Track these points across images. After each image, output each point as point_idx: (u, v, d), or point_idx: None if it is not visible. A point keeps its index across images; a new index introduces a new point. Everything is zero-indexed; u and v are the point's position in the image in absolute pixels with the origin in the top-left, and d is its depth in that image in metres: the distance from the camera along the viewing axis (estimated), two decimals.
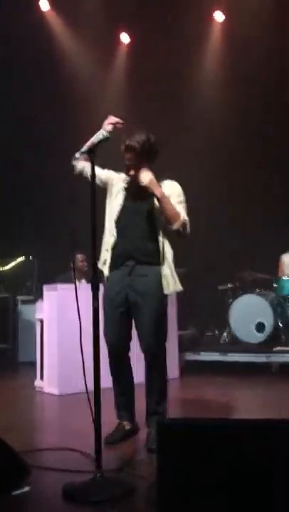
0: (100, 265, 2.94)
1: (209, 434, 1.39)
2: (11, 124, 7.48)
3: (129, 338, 3.03)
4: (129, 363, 3.09)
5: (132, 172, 2.92)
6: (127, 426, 3.05)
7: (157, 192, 2.85)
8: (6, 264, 7.70)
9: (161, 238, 2.93)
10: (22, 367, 6.72)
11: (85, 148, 2.47)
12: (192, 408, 3.95)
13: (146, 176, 2.85)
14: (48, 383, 4.81)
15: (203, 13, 7.62)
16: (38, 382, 5.03)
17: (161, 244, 2.92)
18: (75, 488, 2.19)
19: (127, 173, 2.95)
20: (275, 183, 7.19)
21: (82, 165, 2.89)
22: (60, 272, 6.21)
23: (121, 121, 2.86)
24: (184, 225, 2.90)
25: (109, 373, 3.03)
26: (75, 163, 2.86)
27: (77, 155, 2.48)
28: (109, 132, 2.78)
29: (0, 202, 7.80)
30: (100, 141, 2.51)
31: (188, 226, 2.93)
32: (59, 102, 7.60)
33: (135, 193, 2.99)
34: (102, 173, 3.00)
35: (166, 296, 2.94)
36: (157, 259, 2.92)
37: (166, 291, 2.90)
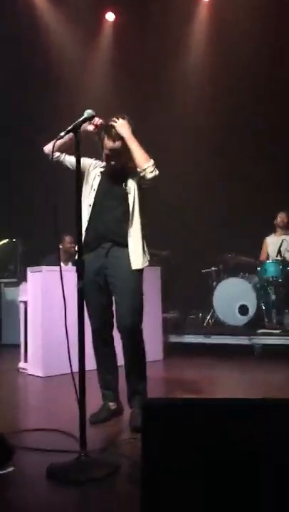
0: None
1: (194, 414, 1.40)
2: None
3: (113, 318, 3.07)
4: (112, 342, 3.13)
5: (112, 162, 2.96)
6: (112, 406, 3.09)
7: (127, 133, 2.86)
8: None
9: (132, 218, 2.96)
10: (5, 349, 6.70)
11: (70, 127, 2.42)
12: (176, 389, 3.98)
13: (120, 121, 2.88)
14: (32, 365, 4.80)
15: None
16: (22, 364, 5.02)
17: (130, 224, 2.95)
18: (59, 469, 2.20)
19: (108, 162, 2.98)
20: (260, 166, 7.17)
21: (57, 154, 2.91)
22: (43, 255, 6.17)
23: (103, 123, 2.89)
24: (153, 165, 2.89)
25: (94, 355, 3.08)
26: (50, 147, 2.74)
27: (62, 134, 2.42)
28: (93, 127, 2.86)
29: None
30: (85, 120, 2.47)
31: (155, 168, 2.92)
32: (43, 81, 7.48)
33: (111, 177, 3.03)
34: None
35: (138, 273, 2.96)
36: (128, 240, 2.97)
37: (133, 267, 2.92)
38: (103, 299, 3.02)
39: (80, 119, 2.45)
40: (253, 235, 6.59)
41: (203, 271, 6.92)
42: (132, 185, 3.01)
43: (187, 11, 7.68)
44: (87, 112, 2.49)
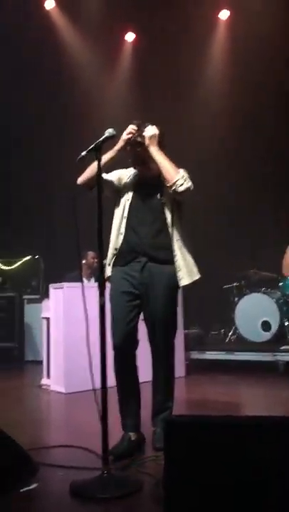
0: (106, 267, 2.88)
1: (217, 432, 1.39)
2: (15, 125, 7.53)
3: (137, 338, 2.88)
4: (135, 364, 2.90)
5: (138, 167, 2.88)
6: (133, 437, 2.81)
7: (154, 144, 2.76)
8: (13, 264, 7.73)
9: (170, 230, 2.82)
10: (28, 366, 6.75)
11: (91, 146, 2.46)
12: (198, 407, 3.95)
13: (151, 130, 2.78)
14: (55, 381, 4.82)
15: (208, 12, 7.60)
16: (44, 381, 5.05)
17: (171, 237, 2.82)
18: (82, 485, 2.20)
19: (135, 167, 2.90)
20: (281, 180, 7.16)
21: (87, 183, 2.78)
22: (66, 271, 6.24)
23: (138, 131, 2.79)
24: (183, 177, 2.74)
25: (115, 379, 2.85)
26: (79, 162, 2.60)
27: (83, 153, 2.46)
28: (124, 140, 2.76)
29: (6, 201, 7.85)
30: (107, 139, 2.49)
31: (188, 178, 2.77)
32: (63, 102, 7.63)
33: (144, 188, 2.91)
34: (112, 177, 2.91)
35: (177, 291, 2.88)
36: (169, 255, 2.82)
37: (182, 283, 2.82)
38: (131, 315, 2.82)
39: (101, 139, 2.49)
40: (275, 249, 6.55)
41: (224, 287, 6.89)
42: (167, 195, 2.85)
43: (206, 31, 7.78)
44: (108, 132, 2.52)
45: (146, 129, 2.78)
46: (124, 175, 2.97)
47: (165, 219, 2.83)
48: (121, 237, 2.85)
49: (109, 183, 2.88)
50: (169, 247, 2.82)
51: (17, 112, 7.43)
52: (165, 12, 7.29)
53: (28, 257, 7.66)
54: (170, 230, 2.82)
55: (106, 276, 2.85)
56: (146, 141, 2.77)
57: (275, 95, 7.31)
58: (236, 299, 6.48)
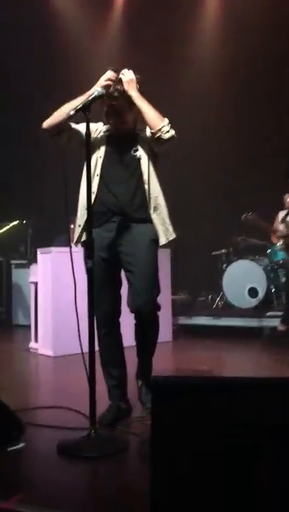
0: (76, 229, 2.72)
1: (205, 392, 1.40)
2: (5, 86, 7.33)
3: (120, 302, 2.76)
4: (119, 330, 2.79)
5: (111, 121, 2.64)
6: (122, 406, 2.72)
7: (134, 90, 2.55)
8: (0, 229, 7.65)
9: (147, 187, 2.64)
10: (16, 330, 6.78)
11: (79, 105, 2.39)
12: (184, 370, 4.00)
13: (129, 74, 2.58)
14: (43, 345, 4.85)
15: None
16: (32, 344, 5.08)
17: (147, 194, 2.65)
18: (69, 445, 2.23)
19: (108, 119, 2.66)
20: (275, 146, 7.08)
21: (66, 137, 2.62)
22: (54, 236, 6.19)
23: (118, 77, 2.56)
24: (168, 124, 2.56)
25: (98, 346, 2.71)
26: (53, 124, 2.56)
27: (71, 112, 2.39)
28: (104, 87, 2.50)
29: None
30: (95, 98, 2.39)
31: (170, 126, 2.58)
32: (52, 60, 7.42)
33: (118, 143, 2.68)
34: (81, 128, 2.59)
35: (156, 248, 2.69)
36: (146, 214, 2.65)
37: (162, 241, 2.67)
38: (111, 279, 2.68)
39: (90, 98, 2.40)
40: (265, 216, 6.54)
41: (213, 253, 6.90)
42: (143, 151, 2.67)
43: None
44: (97, 91, 2.44)
45: (122, 74, 2.57)
46: (93, 128, 2.65)
47: (141, 175, 2.65)
48: (93, 197, 2.56)
49: (78, 133, 2.61)
50: (145, 205, 2.66)
51: (6, 67, 7.21)
52: None
53: (15, 222, 7.58)
54: (146, 186, 2.65)
55: (80, 240, 2.69)
56: (125, 86, 2.55)
57: (269, 60, 7.14)
58: (224, 265, 6.50)
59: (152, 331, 2.74)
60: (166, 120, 2.57)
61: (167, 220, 2.71)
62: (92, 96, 2.41)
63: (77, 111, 2.38)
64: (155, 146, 2.64)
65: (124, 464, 2.17)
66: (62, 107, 2.57)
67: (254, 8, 6.97)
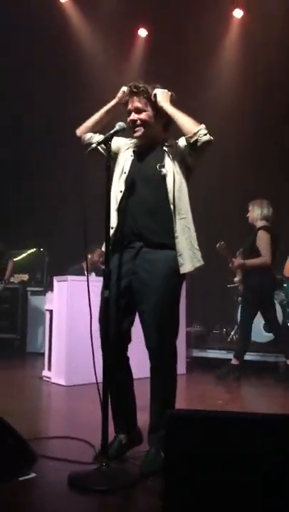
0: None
1: (218, 427, 1.39)
2: (25, 115, 7.55)
3: (129, 339, 2.56)
4: (127, 364, 2.58)
5: (138, 133, 2.53)
6: (124, 440, 2.53)
7: (166, 102, 2.48)
8: (17, 256, 7.75)
9: (172, 207, 2.42)
10: (30, 357, 6.77)
11: (101, 138, 2.45)
12: (198, 404, 3.95)
13: (161, 90, 2.52)
14: (56, 374, 4.83)
15: (221, 10, 7.56)
16: (45, 373, 5.06)
17: (173, 215, 2.42)
18: (80, 477, 2.21)
19: (135, 131, 2.55)
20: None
21: (89, 136, 2.66)
22: (71, 264, 6.25)
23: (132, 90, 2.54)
24: (205, 128, 2.43)
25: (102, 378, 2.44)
26: (87, 141, 2.62)
27: (93, 145, 2.45)
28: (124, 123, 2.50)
29: (12, 193, 7.87)
30: (117, 132, 2.47)
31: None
32: (74, 94, 7.63)
33: (143, 157, 2.54)
34: (112, 142, 2.53)
35: (179, 281, 2.48)
36: (170, 238, 2.42)
37: (183, 270, 2.42)
38: (122, 310, 2.48)
39: (112, 132, 2.47)
40: (281, 251, 6.52)
41: (228, 286, 6.87)
42: (170, 166, 2.47)
43: (219, 28, 7.73)
44: (119, 125, 2.50)
45: (155, 90, 2.53)
46: (123, 144, 2.64)
47: (166, 193, 2.43)
48: (116, 216, 2.47)
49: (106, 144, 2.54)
50: (167, 228, 2.42)
51: (28, 102, 7.44)
52: (178, 9, 7.26)
53: (33, 249, 7.68)
54: (172, 207, 2.42)
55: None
56: (159, 98, 2.48)
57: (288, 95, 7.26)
58: (239, 298, 6.45)
59: (164, 380, 2.46)
60: (203, 125, 2.44)
61: (195, 245, 2.48)
62: (114, 130, 2.48)
63: (98, 144, 2.45)
64: (191, 155, 2.47)
65: (134, 498, 2.14)
66: (93, 116, 2.68)
67: (273, 45, 7.12)
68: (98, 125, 2.68)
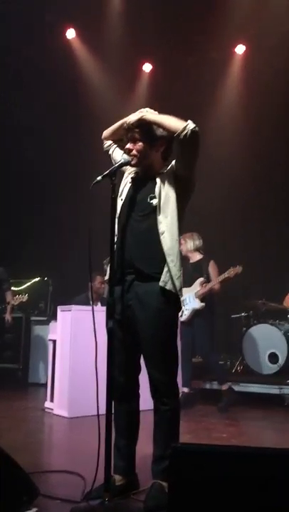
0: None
1: (223, 461, 1.38)
2: (31, 148, 7.68)
3: (138, 371, 2.56)
4: (133, 399, 2.57)
5: (133, 161, 2.53)
6: (118, 481, 2.46)
7: (150, 114, 2.47)
8: (21, 285, 7.77)
9: (163, 238, 2.38)
10: (32, 388, 6.71)
11: (106, 172, 2.49)
12: (202, 437, 3.89)
13: (139, 111, 2.53)
14: (58, 405, 4.78)
15: (224, 46, 7.76)
16: (48, 404, 5.00)
17: (163, 244, 2.38)
18: None
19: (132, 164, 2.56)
20: None
21: (108, 143, 2.79)
22: (75, 294, 6.25)
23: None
24: (192, 122, 2.37)
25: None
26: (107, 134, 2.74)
27: (98, 178, 2.49)
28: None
29: (16, 223, 7.96)
30: (122, 165, 2.52)
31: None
32: (80, 127, 7.78)
33: (138, 184, 2.56)
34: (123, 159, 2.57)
35: (173, 313, 2.46)
36: (159, 269, 2.39)
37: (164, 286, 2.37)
38: (125, 344, 2.47)
39: (116, 165, 2.52)
40: (285, 281, 6.53)
41: (232, 316, 6.84)
42: (160, 191, 2.45)
43: (222, 64, 7.91)
44: (124, 158, 2.56)
45: (132, 115, 2.55)
46: (126, 169, 2.69)
47: (156, 225, 2.41)
48: (114, 247, 2.43)
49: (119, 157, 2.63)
50: (157, 260, 2.39)
51: (35, 138, 7.58)
52: (182, 45, 7.46)
53: (37, 279, 7.71)
54: (162, 238, 2.39)
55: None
56: (138, 115, 2.47)
57: None
58: (244, 329, 6.43)
59: (167, 413, 2.41)
60: (189, 120, 2.39)
61: (176, 280, 2.39)
62: (118, 163, 2.53)
63: (103, 177, 2.49)
64: (183, 155, 2.42)
65: None
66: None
67: (276, 78, 7.27)
68: (115, 135, 2.75)
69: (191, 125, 2.36)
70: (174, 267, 2.40)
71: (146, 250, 2.42)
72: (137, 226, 2.47)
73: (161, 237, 2.40)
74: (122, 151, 2.66)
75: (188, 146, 2.37)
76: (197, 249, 5.50)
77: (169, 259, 2.39)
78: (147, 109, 2.58)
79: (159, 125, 2.44)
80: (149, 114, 2.50)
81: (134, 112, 2.64)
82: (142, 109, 2.57)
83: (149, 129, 2.50)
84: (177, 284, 2.39)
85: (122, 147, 2.67)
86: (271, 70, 7.28)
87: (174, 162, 2.55)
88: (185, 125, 2.35)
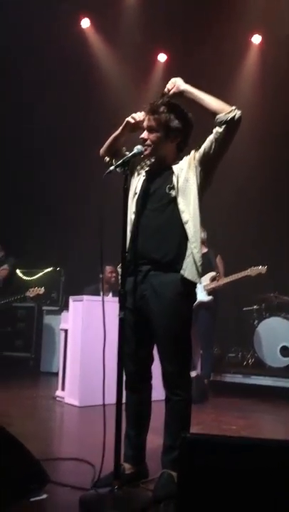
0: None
1: (233, 452, 1.37)
2: (44, 139, 7.69)
3: (151, 361, 2.56)
4: (145, 389, 2.59)
5: (146, 152, 2.50)
6: (127, 470, 2.49)
7: (185, 85, 2.45)
8: (34, 274, 7.81)
9: (179, 225, 2.39)
10: (43, 377, 6.76)
11: (119, 162, 2.48)
12: (212, 429, 3.89)
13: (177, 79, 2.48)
14: (69, 394, 4.81)
15: (240, 36, 7.66)
16: (59, 393, 5.04)
17: (189, 235, 2.38)
18: (92, 500, 2.18)
19: (146, 154, 2.53)
20: None
21: (108, 159, 2.72)
22: (86, 284, 6.27)
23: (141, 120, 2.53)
24: (237, 109, 2.36)
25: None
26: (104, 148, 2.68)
27: (111, 168, 2.48)
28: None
29: (28, 212, 7.98)
30: (134, 155, 2.50)
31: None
32: (94, 118, 7.76)
33: (153, 177, 2.53)
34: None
35: (188, 304, 2.46)
36: (179, 262, 2.40)
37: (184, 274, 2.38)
38: (138, 335, 2.48)
39: (130, 155, 2.51)
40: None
41: (244, 309, 6.82)
42: (178, 180, 2.43)
43: (237, 54, 7.82)
44: (137, 148, 2.53)
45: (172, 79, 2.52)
46: (139, 163, 2.65)
47: (174, 215, 2.41)
48: (128, 237, 2.46)
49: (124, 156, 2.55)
50: (174, 250, 2.40)
51: (49, 126, 7.58)
52: (197, 34, 7.38)
53: (49, 269, 7.74)
54: (180, 229, 2.40)
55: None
56: (179, 82, 2.49)
57: None
58: (256, 322, 6.40)
59: (179, 404, 2.42)
60: (234, 106, 2.38)
61: (199, 264, 2.41)
62: (132, 153, 2.51)
63: (116, 166, 2.48)
64: (218, 137, 2.39)
65: None
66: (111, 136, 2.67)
67: None
68: (111, 148, 2.69)
69: (238, 110, 2.37)
70: (198, 253, 2.41)
71: (164, 240, 2.41)
72: (153, 217, 2.46)
73: (186, 226, 2.40)
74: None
75: (232, 129, 2.37)
76: (203, 242, 5.43)
77: (192, 245, 2.40)
78: (178, 79, 2.54)
79: (199, 101, 2.42)
80: (189, 86, 2.46)
81: (147, 101, 2.62)
82: (176, 78, 2.53)
83: (166, 120, 2.48)
84: (199, 270, 2.41)
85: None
86: (287, 61, 7.17)
87: (193, 152, 2.53)
88: (233, 108, 2.36)
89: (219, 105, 2.39)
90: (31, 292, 6.13)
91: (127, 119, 2.59)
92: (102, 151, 2.76)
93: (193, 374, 5.20)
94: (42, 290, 6.10)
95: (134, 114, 2.58)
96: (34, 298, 6.34)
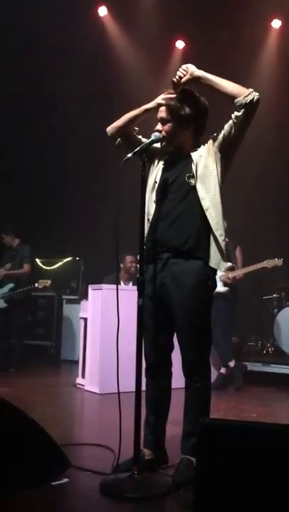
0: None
1: (253, 437, 1.38)
2: (60, 129, 7.70)
3: (171, 348, 2.57)
4: (165, 377, 2.59)
5: (162, 142, 2.52)
6: (147, 455, 2.49)
7: (199, 71, 2.46)
8: (53, 264, 7.89)
9: (200, 212, 2.38)
10: (64, 365, 6.85)
11: (137, 149, 2.47)
12: (231, 416, 3.90)
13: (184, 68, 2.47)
14: (89, 381, 4.87)
15: (259, 21, 7.52)
16: (79, 380, 5.11)
17: (211, 222, 2.39)
18: (112, 484, 2.22)
19: (161, 144, 2.54)
20: None
21: (118, 140, 2.67)
22: (106, 273, 6.29)
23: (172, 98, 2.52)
24: (252, 91, 2.36)
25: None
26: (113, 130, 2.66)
27: (129, 155, 2.47)
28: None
29: (48, 203, 8.03)
30: (152, 142, 2.49)
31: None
32: (110, 107, 7.73)
33: (173, 165, 2.52)
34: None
35: (208, 292, 2.45)
36: (200, 250, 2.41)
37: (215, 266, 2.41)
38: (157, 323, 2.48)
39: (147, 142, 2.50)
40: None
41: (264, 297, 6.78)
42: (197, 168, 2.42)
43: (257, 39, 7.69)
44: (154, 135, 2.52)
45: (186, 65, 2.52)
46: (157, 152, 2.63)
47: (195, 203, 2.40)
48: (147, 226, 2.47)
49: (140, 143, 2.54)
50: (195, 238, 2.40)
51: (63, 116, 7.58)
52: (215, 21, 7.27)
53: (68, 258, 7.80)
54: (207, 214, 2.40)
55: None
56: (192, 69, 2.48)
57: None
58: (276, 310, 6.36)
59: (199, 391, 2.43)
60: (247, 89, 2.39)
61: (223, 249, 2.44)
62: (149, 140, 2.50)
63: (134, 153, 2.46)
64: (237, 120, 2.41)
65: (165, 507, 2.13)
66: (123, 116, 2.66)
67: None
68: (124, 128, 2.66)
69: (256, 92, 2.38)
70: (223, 241, 2.43)
71: (184, 228, 2.41)
72: (173, 205, 2.46)
73: (207, 213, 2.40)
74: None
75: (251, 111, 2.38)
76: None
77: (217, 233, 2.42)
78: (190, 65, 2.53)
79: (215, 86, 2.43)
80: (203, 71, 2.47)
81: (165, 89, 2.60)
82: (187, 65, 2.53)
83: (177, 110, 2.49)
84: (224, 257, 2.44)
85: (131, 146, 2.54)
86: None
87: (211, 139, 2.53)
88: (251, 90, 2.37)
89: (236, 89, 2.40)
90: (40, 284, 6.19)
91: (172, 79, 2.55)
92: (111, 129, 2.69)
93: (222, 371, 5.21)
94: (49, 282, 6.18)
95: (178, 72, 2.55)
96: (43, 289, 6.41)
